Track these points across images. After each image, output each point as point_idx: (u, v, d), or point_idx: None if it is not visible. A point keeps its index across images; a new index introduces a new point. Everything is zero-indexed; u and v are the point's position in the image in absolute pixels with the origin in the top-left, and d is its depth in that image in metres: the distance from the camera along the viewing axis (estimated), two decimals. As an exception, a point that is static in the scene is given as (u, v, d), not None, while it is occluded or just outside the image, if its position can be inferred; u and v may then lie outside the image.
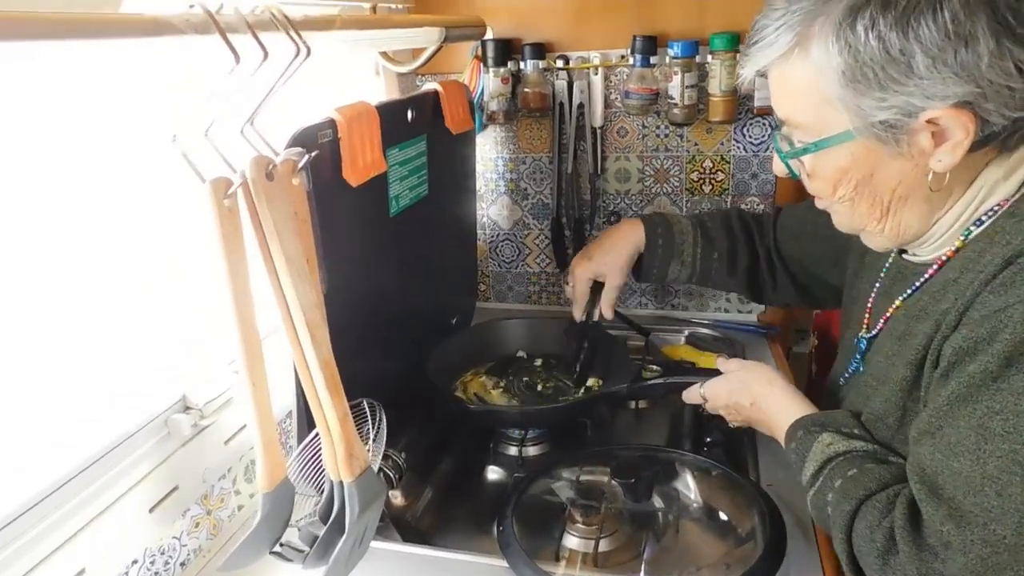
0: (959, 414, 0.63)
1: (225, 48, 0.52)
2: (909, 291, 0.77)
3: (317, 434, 0.79)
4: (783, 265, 1.14)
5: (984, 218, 0.69)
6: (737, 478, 0.97)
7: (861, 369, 0.85)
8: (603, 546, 0.93)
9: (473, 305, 1.48)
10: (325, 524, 0.67)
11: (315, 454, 0.83)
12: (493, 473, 1.13)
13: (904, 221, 0.72)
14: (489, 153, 1.46)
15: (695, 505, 1.00)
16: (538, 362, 1.30)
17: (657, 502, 1.00)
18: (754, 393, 0.91)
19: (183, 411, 0.83)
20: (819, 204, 0.79)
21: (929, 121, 0.62)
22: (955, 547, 0.61)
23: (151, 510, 0.78)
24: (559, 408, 1.16)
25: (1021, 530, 0.59)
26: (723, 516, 0.97)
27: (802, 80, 0.67)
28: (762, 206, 1.38)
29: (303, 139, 0.76)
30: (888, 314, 0.80)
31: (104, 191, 0.75)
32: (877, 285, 0.86)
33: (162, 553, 0.82)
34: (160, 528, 0.81)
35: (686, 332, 1.42)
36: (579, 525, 0.95)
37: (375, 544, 0.87)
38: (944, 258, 0.72)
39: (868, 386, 0.81)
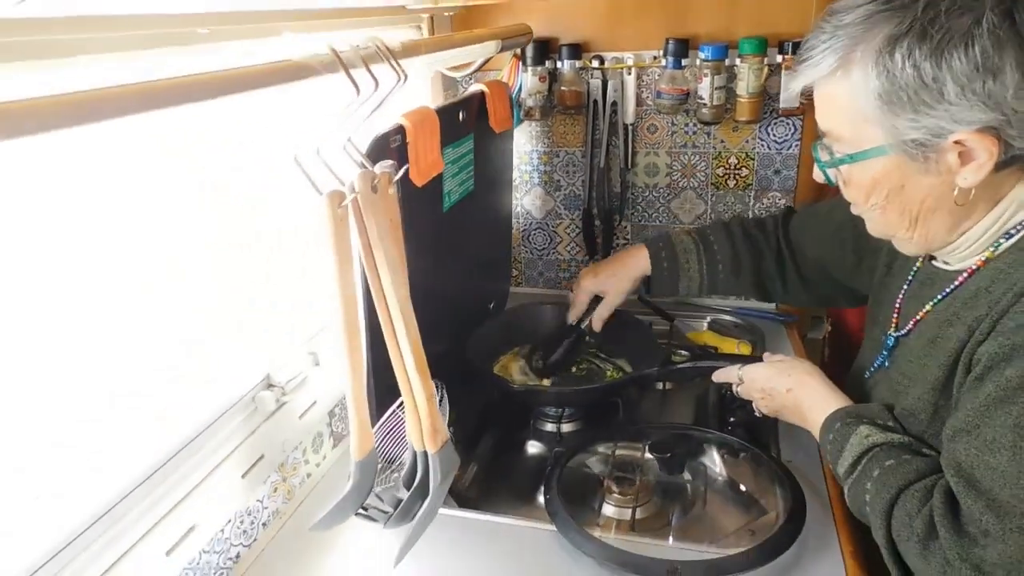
0: (995, 414, 0.68)
1: (342, 80, 0.60)
2: (939, 296, 0.83)
3: (392, 412, 0.89)
4: (795, 265, 1.21)
5: (1013, 231, 0.76)
6: (760, 454, 1.06)
7: (887, 365, 0.91)
8: (638, 514, 1.03)
9: (507, 291, 1.57)
10: (408, 490, 0.77)
11: (386, 433, 0.93)
12: (533, 448, 1.23)
13: (932, 230, 0.78)
14: (525, 147, 1.54)
15: (720, 479, 1.10)
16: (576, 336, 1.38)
17: (686, 475, 1.10)
18: (794, 380, 0.97)
19: (267, 388, 0.92)
20: (853, 210, 0.85)
21: (956, 142, 0.69)
22: (994, 535, 0.67)
23: (243, 475, 0.88)
24: (594, 389, 1.25)
25: None
26: (746, 489, 1.06)
27: (843, 98, 0.73)
28: (784, 200, 1.46)
29: (378, 145, 0.84)
30: (918, 317, 0.86)
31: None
32: (905, 288, 0.92)
33: (249, 514, 0.92)
34: (249, 492, 0.90)
35: (708, 319, 1.51)
36: (616, 495, 1.05)
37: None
38: (974, 267, 0.79)
39: (899, 383, 0.86)
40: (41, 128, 0.37)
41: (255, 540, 0.94)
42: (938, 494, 0.73)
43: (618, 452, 1.14)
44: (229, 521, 0.88)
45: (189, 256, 0.82)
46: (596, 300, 1.29)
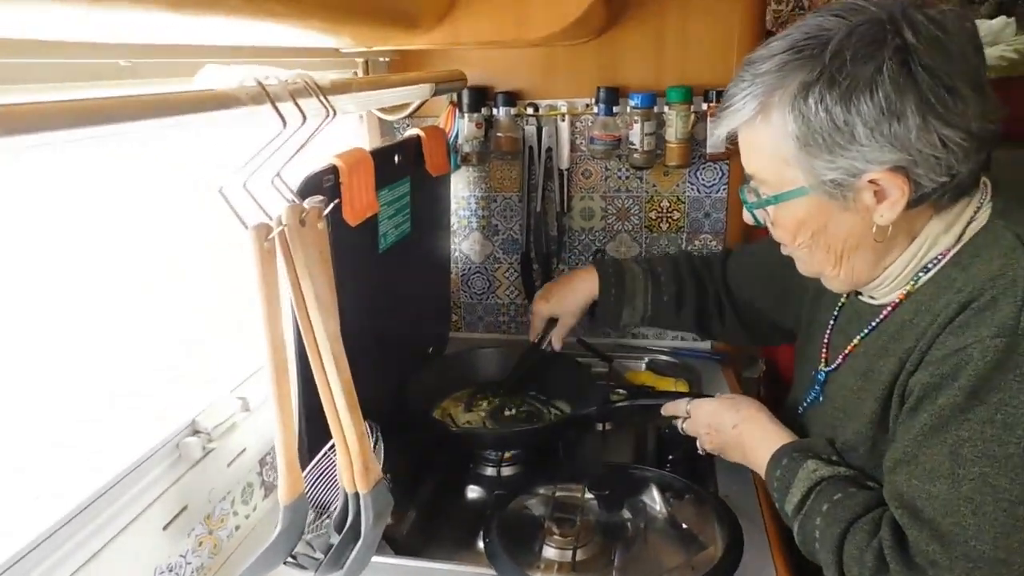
0: (932, 443, 0.71)
1: (266, 113, 0.60)
2: (866, 331, 0.86)
3: (322, 455, 0.86)
4: (732, 306, 1.24)
5: (930, 265, 0.79)
6: (698, 490, 1.06)
7: (820, 400, 0.94)
8: (579, 555, 1.02)
9: (447, 335, 1.56)
10: (339, 534, 0.74)
11: (316, 478, 0.90)
12: (472, 492, 1.21)
13: (856, 267, 0.82)
14: (462, 192, 1.56)
15: (661, 517, 1.09)
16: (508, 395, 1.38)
17: (626, 514, 1.09)
18: (741, 416, 0.98)
19: (193, 434, 0.88)
20: (784, 251, 0.88)
21: (871, 181, 0.73)
22: (941, 565, 0.69)
23: (165, 527, 0.83)
24: (533, 430, 1.25)
25: (998, 544, 0.67)
26: (686, 525, 1.06)
27: (765, 141, 0.77)
28: (715, 242, 1.51)
29: (310, 184, 0.84)
30: (847, 351, 0.89)
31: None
32: (832, 324, 0.95)
33: (170, 570, 0.87)
34: (171, 546, 0.86)
35: (646, 359, 1.53)
36: (556, 537, 1.04)
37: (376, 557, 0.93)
38: (896, 300, 0.83)
39: (835, 418, 0.89)
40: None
41: (176, 599, 0.89)
42: (886, 526, 0.74)
43: (558, 494, 1.12)
44: None
45: (117, 291, 0.79)
46: (550, 324, 1.32)
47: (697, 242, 1.51)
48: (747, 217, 0.87)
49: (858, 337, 0.88)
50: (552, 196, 1.52)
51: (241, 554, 0.99)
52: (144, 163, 0.82)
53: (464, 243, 1.60)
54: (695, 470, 1.19)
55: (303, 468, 0.84)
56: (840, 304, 0.95)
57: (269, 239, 0.62)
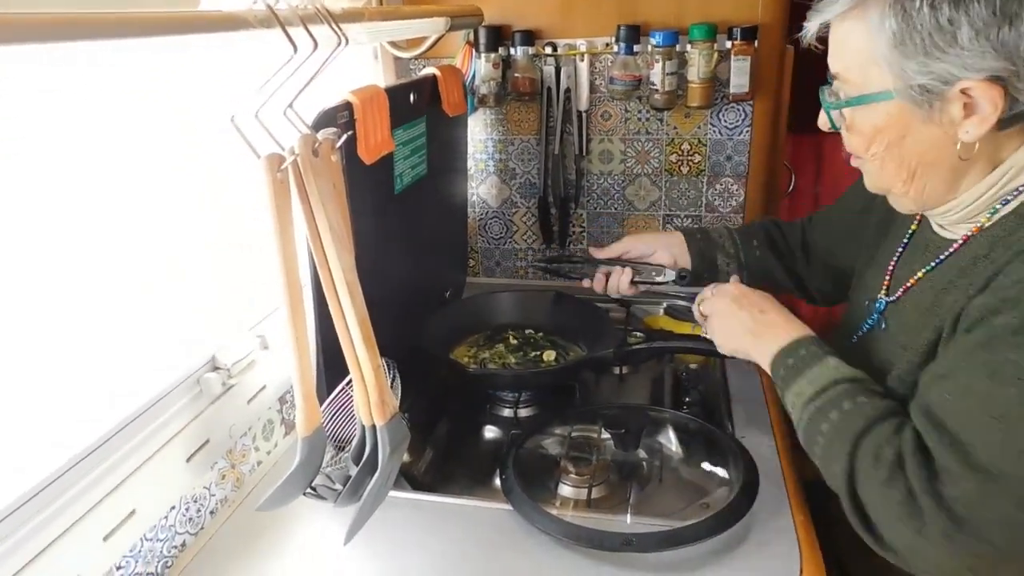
0: (974, 360, 0.68)
1: (277, 38, 0.59)
2: (933, 263, 0.81)
3: (339, 390, 0.87)
4: (814, 259, 1.17)
5: (1009, 197, 0.74)
6: (714, 430, 1.06)
7: (883, 326, 0.88)
8: (594, 493, 1.03)
9: (464, 280, 1.56)
10: (357, 466, 0.75)
11: (333, 413, 0.91)
12: (489, 432, 1.22)
13: (928, 187, 0.76)
14: (479, 135, 1.54)
15: (676, 457, 1.10)
16: (527, 332, 1.39)
17: (642, 454, 1.10)
18: (772, 302, 0.94)
19: (213, 370, 0.90)
20: (853, 162, 0.83)
21: (963, 91, 0.68)
22: (957, 474, 0.66)
23: (188, 459, 0.85)
24: (550, 371, 1.25)
25: (1019, 466, 0.64)
26: (701, 465, 1.07)
27: (857, 37, 0.72)
28: (736, 186, 1.48)
29: (324, 120, 0.83)
30: (909, 283, 0.84)
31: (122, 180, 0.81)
32: (899, 253, 0.90)
33: (195, 501, 0.90)
34: (194, 477, 0.88)
35: (664, 304, 1.52)
36: (572, 476, 1.05)
37: (389, 493, 0.95)
38: (969, 234, 0.77)
39: (890, 351, 0.84)
40: None
41: (202, 528, 0.91)
42: (908, 431, 0.72)
43: (574, 434, 1.13)
44: (173, 508, 0.85)
45: (133, 230, 0.80)
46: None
47: (718, 185, 1.49)
48: (823, 121, 0.82)
49: (923, 270, 0.83)
50: (570, 139, 1.49)
51: (263, 488, 1.01)
52: (151, 103, 0.81)
53: (481, 187, 1.59)
54: (712, 412, 1.19)
55: (321, 403, 0.86)
56: (910, 233, 0.90)
57: (282, 169, 0.61)
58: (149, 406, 0.80)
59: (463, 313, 1.42)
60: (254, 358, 0.95)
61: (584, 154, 1.50)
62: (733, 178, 1.48)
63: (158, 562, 0.84)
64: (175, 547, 0.86)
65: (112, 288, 0.78)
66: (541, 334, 1.38)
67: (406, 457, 1.13)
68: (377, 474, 0.73)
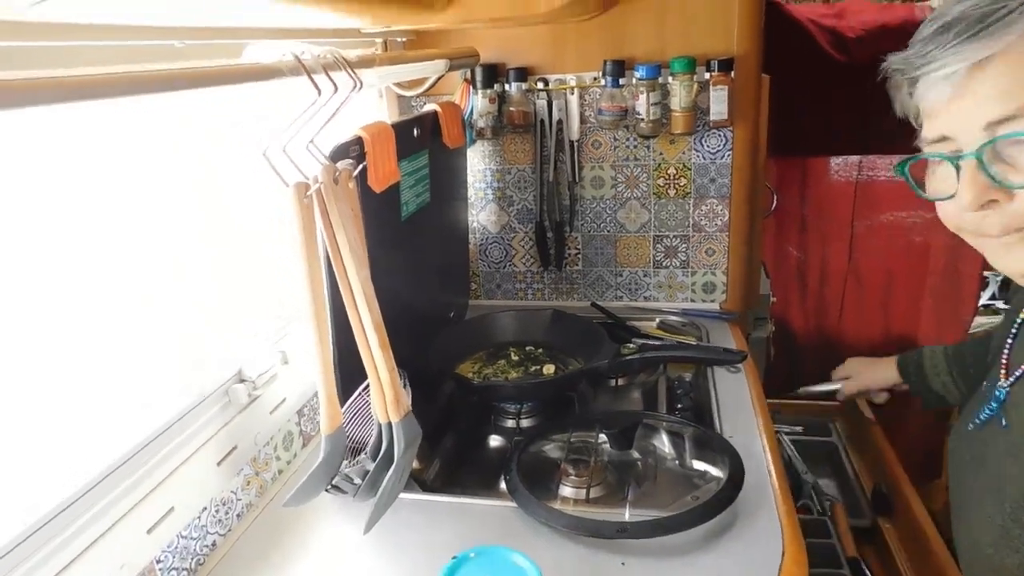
0: None
1: (303, 83, 0.69)
2: None
3: (356, 395, 0.95)
4: None
5: None
6: (704, 431, 1.14)
7: (1004, 422, 0.79)
8: (593, 493, 1.11)
9: (467, 302, 1.65)
10: (374, 462, 0.83)
11: (351, 417, 0.99)
12: (494, 441, 1.30)
13: None
14: (478, 165, 1.64)
15: (670, 458, 1.18)
16: (528, 348, 1.47)
17: (637, 455, 1.17)
18: None
19: (240, 382, 0.98)
20: (992, 243, 0.65)
21: None
22: None
23: (218, 463, 0.93)
24: (550, 381, 1.33)
25: None
26: (693, 463, 1.14)
27: None
28: (720, 206, 1.57)
29: (339, 153, 0.92)
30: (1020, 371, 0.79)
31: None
32: (1011, 336, 0.84)
33: (224, 504, 0.97)
34: (224, 480, 0.96)
35: (657, 319, 1.60)
36: (572, 477, 1.12)
37: (402, 494, 1.03)
38: None
39: (1015, 444, 0.75)
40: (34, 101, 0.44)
41: (230, 530, 0.99)
42: None
43: (573, 440, 1.21)
44: (205, 508, 0.93)
45: (170, 252, 0.89)
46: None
47: (704, 206, 1.58)
48: (971, 195, 0.61)
49: None
50: (563, 167, 1.59)
51: (285, 493, 1.08)
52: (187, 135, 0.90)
53: (481, 214, 1.68)
54: (702, 417, 1.27)
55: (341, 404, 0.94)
56: (1020, 320, 0.84)
57: (308, 195, 0.71)
58: (185, 413, 0.89)
59: (466, 332, 1.51)
60: (276, 372, 1.04)
61: (577, 180, 1.60)
62: (717, 199, 1.57)
63: (192, 559, 0.91)
64: (207, 546, 0.94)
65: (149, 308, 0.86)
66: (541, 350, 1.46)
67: (416, 464, 1.20)
68: (393, 467, 0.81)
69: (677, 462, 1.16)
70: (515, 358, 1.44)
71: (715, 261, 1.62)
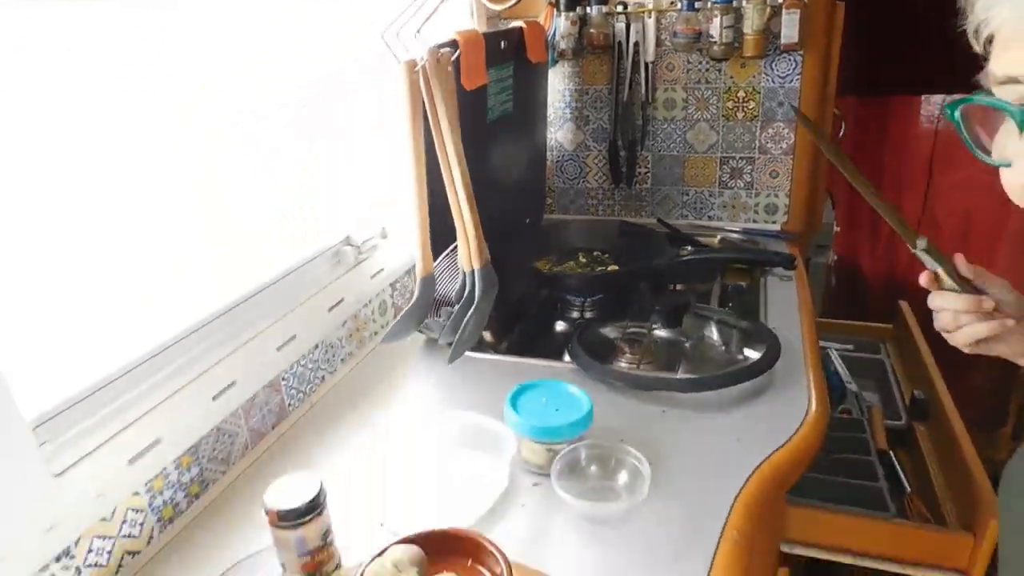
0: None
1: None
2: None
3: (444, 256, 1.12)
4: None
5: None
6: (749, 322, 1.26)
7: None
8: (644, 369, 1.25)
9: (542, 214, 1.80)
10: (458, 304, 1.00)
11: (441, 272, 1.16)
12: (560, 326, 1.45)
13: None
14: (558, 85, 1.76)
15: (717, 344, 1.31)
16: (595, 253, 1.61)
17: (686, 342, 1.31)
18: None
19: (348, 245, 1.16)
20: None
21: None
22: None
23: (329, 310, 1.12)
24: (611, 275, 1.47)
25: None
26: (737, 352, 1.27)
27: None
28: (787, 130, 1.65)
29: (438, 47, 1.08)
30: None
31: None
32: None
33: (331, 347, 1.17)
34: (333, 326, 1.15)
35: (719, 236, 1.71)
36: (627, 355, 1.27)
37: (477, 355, 1.20)
38: None
39: None
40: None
41: (335, 371, 1.18)
42: None
43: (630, 328, 1.35)
44: (317, 346, 1.13)
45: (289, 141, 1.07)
46: None
47: (770, 129, 1.66)
48: (1006, 150, 0.50)
49: None
50: (638, 88, 1.70)
51: (377, 354, 1.27)
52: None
53: (559, 132, 1.82)
54: (749, 310, 1.38)
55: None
56: None
57: (416, 71, 0.86)
58: (305, 262, 1.08)
59: (540, 236, 1.66)
60: (376, 243, 1.22)
61: (650, 101, 1.71)
62: (784, 123, 1.65)
63: (307, 385, 1.11)
64: (317, 378, 1.14)
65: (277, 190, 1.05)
66: (607, 255, 1.60)
67: (489, 338, 1.38)
68: (474, 308, 0.98)
69: (723, 348, 1.29)
70: (583, 260, 1.58)
71: (778, 183, 1.71)
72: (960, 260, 0.75)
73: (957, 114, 0.50)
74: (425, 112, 0.92)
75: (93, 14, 0.75)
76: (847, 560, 1.15)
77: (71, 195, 0.74)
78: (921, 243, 0.74)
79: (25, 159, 0.69)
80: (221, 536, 0.84)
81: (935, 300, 0.74)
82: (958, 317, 0.72)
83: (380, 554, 0.70)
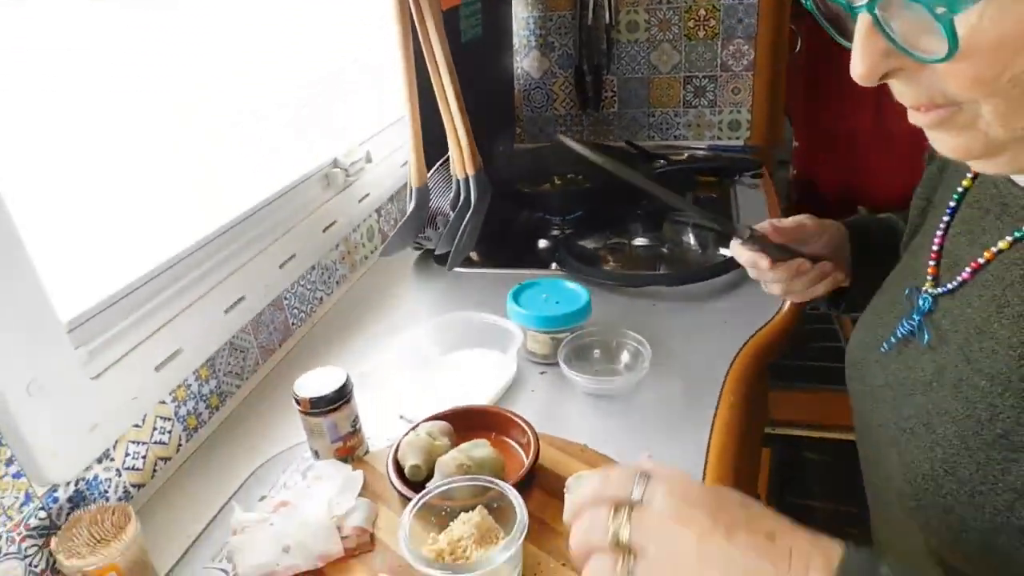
0: None
1: None
2: (1019, 232, 0.51)
3: (435, 169, 1.15)
4: None
5: None
6: (724, 223, 1.32)
7: (928, 338, 0.56)
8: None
9: (512, 144, 1.83)
10: (454, 212, 1.04)
11: (433, 185, 1.19)
12: (543, 244, 1.50)
13: None
14: (522, 13, 1.78)
15: (693, 248, 1.37)
16: (569, 176, 1.65)
17: (665, 248, 1.37)
18: (765, 514, 0.46)
19: (335, 167, 1.18)
20: (931, 117, 0.44)
21: None
22: None
23: (324, 231, 1.15)
24: (588, 190, 1.51)
25: None
26: (714, 253, 1.34)
27: None
28: (747, 47, 1.70)
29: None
30: (976, 264, 0.53)
31: None
32: (945, 220, 0.60)
33: (326, 268, 1.19)
34: (326, 251, 1.18)
35: (686, 154, 1.77)
36: (611, 263, 1.33)
37: (467, 270, 1.24)
38: None
39: (947, 367, 0.53)
40: None
41: (331, 293, 1.21)
42: None
43: (611, 239, 1.41)
44: (314, 267, 1.15)
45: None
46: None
47: (731, 47, 1.71)
48: (869, 64, 0.42)
49: (1003, 241, 0.52)
50: (602, 12, 1.72)
51: (367, 278, 1.30)
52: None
53: (525, 60, 1.84)
54: (723, 215, 1.45)
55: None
56: (959, 193, 0.60)
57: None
58: (299, 183, 1.10)
59: (513, 163, 1.69)
60: (363, 167, 1.24)
61: (613, 24, 1.74)
62: (744, 39, 1.70)
63: (307, 305, 1.14)
64: (316, 299, 1.17)
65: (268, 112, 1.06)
66: (581, 176, 1.64)
67: (475, 256, 1.42)
68: (470, 212, 1.02)
69: (700, 251, 1.35)
70: (558, 183, 1.62)
71: (740, 99, 1.77)
72: (772, 229, 0.82)
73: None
74: (413, 26, 0.94)
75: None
76: (824, 435, 1.25)
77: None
78: (745, 233, 0.80)
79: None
80: (242, 446, 0.88)
81: (770, 288, 0.84)
82: (788, 284, 0.81)
83: (413, 428, 0.75)
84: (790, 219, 0.81)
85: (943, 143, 0.45)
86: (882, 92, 0.45)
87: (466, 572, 0.55)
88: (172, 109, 0.88)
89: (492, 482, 0.63)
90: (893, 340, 0.61)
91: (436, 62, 0.94)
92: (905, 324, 0.59)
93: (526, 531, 0.58)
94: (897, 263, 0.70)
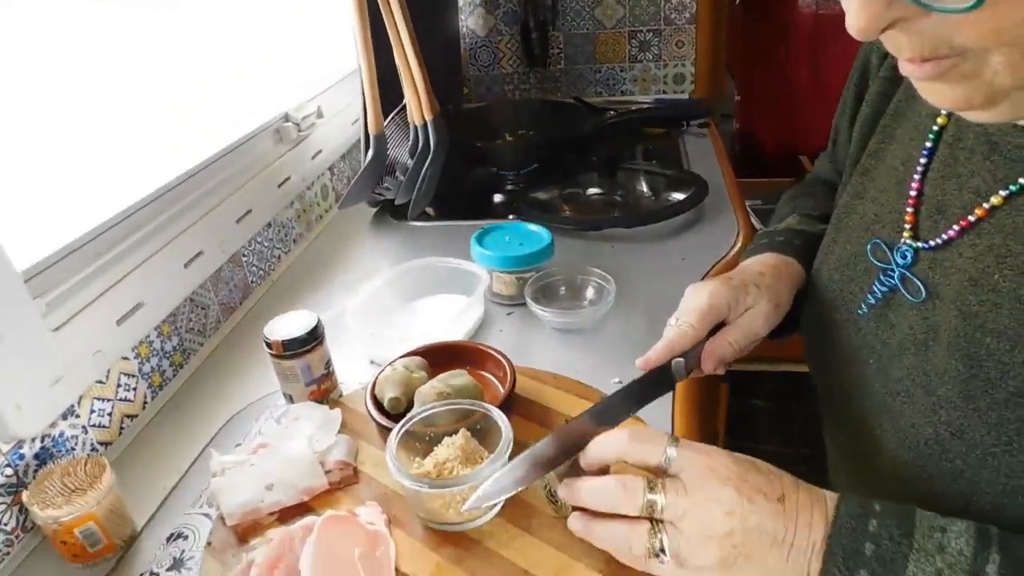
0: None
1: None
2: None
3: (391, 117, 1.14)
4: None
5: None
6: (675, 170, 1.36)
7: (923, 294, 0.52)
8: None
9: (461, 104, 1.82)
10: (412, 159, 1.03)
11: (389, 134, 1.18)
12: (498, 198, 1.51)
13: None
14: (465, -31, 1.76)
15: (647, 195, 1.40)
16: (520, 132, 1.66)
17: (619, 197, 1.39)
18: (774, 474, 0.48)
19: (287, 122, 1.16)
20: (927, 70, 0.40)
21: None
22: None
23: (279, 186, 1.13)
24: (545, 142, 1.53)
25: None
26: (666, 197, 1.37)
27: None
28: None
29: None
30: (972, 216, 0.49)
31: None
32: (923, 163, 0.55)
33: (281, 227, 1.18)
34: (282, 208, 1.16)
35: (634, 107, 1.79)
36: (567, 212, 1.34)
37: (425, 223, 1.24)
38: None
39: (947, 325, 0.49)
40: None
41: (289, 251, 1.20)
42: None
43: (566, 190, 1.42)
44: (270, 225, 1.13)
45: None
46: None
47: (673, 0, 1.74)
48: (870, 16, 0.38)
49: (1003, 192, 0.47)
50: (545, -34, 1.72)
51: (325, 236, 1.29)
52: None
53: (470, 19, 1.82)
54: (672, 159, 1.48)
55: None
56: (935, 132, 0.55)
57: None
58: (251, 136, 1.07)
59: (463, 122, 1.68)
60: (314, 122, 1.22)
61: (558, -23, 1.74)
62: (691, -22, 1.72)
63: (266, 264, 1.12)
64: (274, 256, 1.15)
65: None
66: (532, 132, 1.65)
67: (431, 212, 1.41)
68: (430, 158, 1.01)
69: (653, 197, 1.38)
70: (509, 139, 1.62)
71: (684, 53, 1.79)
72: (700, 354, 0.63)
73: None
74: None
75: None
76: (781, 368, 1.30)
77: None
78: (682, 375, 0.62)
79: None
80: (211, 402, 0.87)
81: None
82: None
83: (390, 364, 0.76)
84: (694, 318, 0.63)
85: (939, 94, 0.42)
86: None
87: (456, 485, 0.56)
88: (143, 71, 0.85)
89: (475, 404, 0.64)
90: (872, 300, 0.56)
91: (391, 8, 0.93)
92: (884, 280, 0.55)
93: (511, 447, 0.59)
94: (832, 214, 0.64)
